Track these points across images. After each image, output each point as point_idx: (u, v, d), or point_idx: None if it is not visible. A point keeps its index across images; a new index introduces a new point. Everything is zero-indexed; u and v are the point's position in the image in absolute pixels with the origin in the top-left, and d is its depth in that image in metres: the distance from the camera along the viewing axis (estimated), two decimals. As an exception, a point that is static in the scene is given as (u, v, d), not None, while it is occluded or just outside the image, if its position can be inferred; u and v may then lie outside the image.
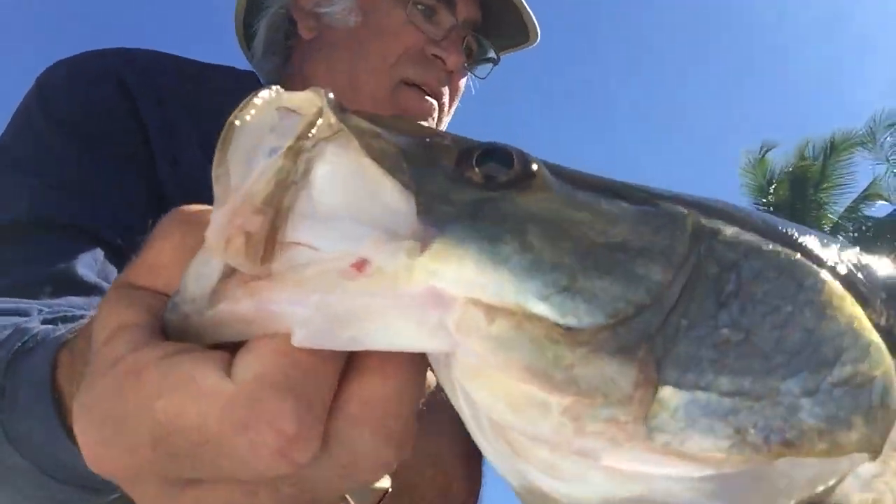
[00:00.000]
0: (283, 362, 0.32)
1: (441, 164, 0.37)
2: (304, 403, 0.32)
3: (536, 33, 1.33)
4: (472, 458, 0.96)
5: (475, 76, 1.37)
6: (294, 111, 0.35)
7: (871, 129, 18.94)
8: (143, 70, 1.11)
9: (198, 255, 0.36)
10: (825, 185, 19.35)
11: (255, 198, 0.34)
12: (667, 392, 0.33)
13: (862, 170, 19.69)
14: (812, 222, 19.44)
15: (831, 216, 19.64)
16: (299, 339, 0.32)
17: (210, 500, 0.35)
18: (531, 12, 1.30)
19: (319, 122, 0.35)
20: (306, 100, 0.35)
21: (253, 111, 0.34)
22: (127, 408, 0.33)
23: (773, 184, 19.77)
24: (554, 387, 0.32)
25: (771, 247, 0.37)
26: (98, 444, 0.34)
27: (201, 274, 0.36)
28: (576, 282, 0.33)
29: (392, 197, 0.35)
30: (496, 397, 0.34)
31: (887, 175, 19.08)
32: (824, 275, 0.37)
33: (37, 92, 1.05)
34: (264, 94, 0.35)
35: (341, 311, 0.33)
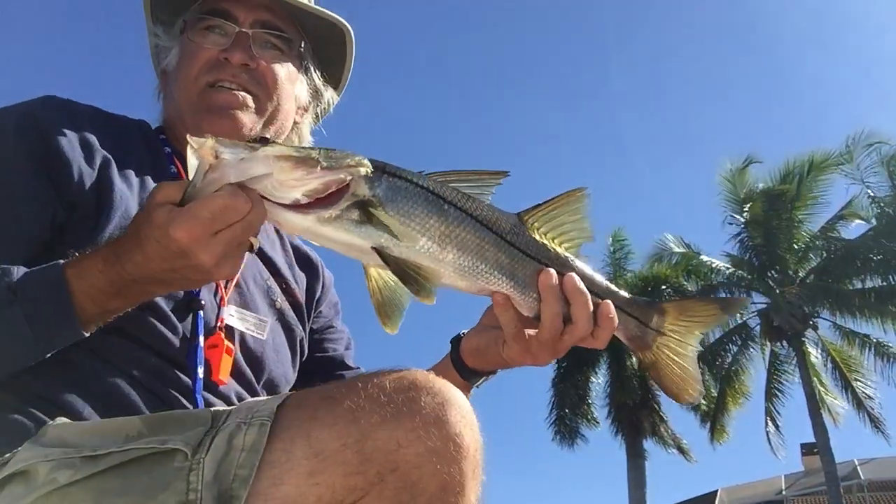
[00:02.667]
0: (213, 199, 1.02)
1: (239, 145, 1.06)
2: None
3: (340, 22, 1.65)
4: (473, 453, 1.00)
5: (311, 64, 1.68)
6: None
7: (849, 149, 19.09)
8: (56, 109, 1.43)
9: (191, 169, 1.04)
10: (800, 204, 19.51)
11: (207, 149, 1.03)
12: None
13: (840, 189, 19.88)
14: (786, 240, 19.58)
15: (805, 234, 19.80)
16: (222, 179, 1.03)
17: (221, 238, 1.04)
18: (311, 4, 1.62)
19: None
20: (202, 141, 1.04)
21: (198, 149, 1.03)
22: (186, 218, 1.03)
23: (749, 201, 19.88)
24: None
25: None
26: (181, 230, 1.01)
27: (196, 177, 1.03)
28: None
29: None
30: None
31: (862, 195, 19.25)
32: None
33: None
34: (195, 141, 1.03)
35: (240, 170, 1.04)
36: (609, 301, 1.24)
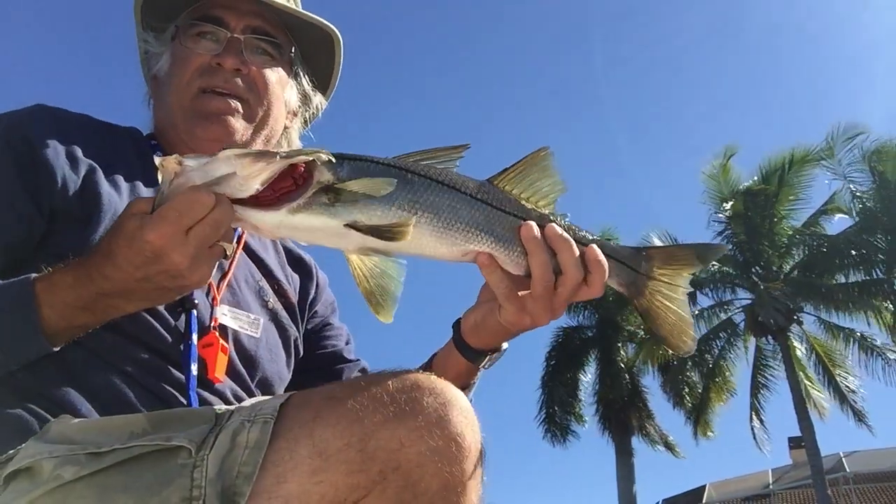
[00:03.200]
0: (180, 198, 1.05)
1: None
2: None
3: (329, 28, 1.67)
4: (474, 454, 1.01)
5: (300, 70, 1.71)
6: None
7: (829, 144, 19.27)
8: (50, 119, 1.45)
9: (161, 181, 1.08)
10: (782, 200, 19.69)
11: (172, 161, 1.07)
12: None
13: (822, 184, 20.08)
14: (768, 236, 19.76)
15: (787, 230, 19.99)
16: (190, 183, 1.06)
17: (192, 236, 1.06)
18: (302, 10, 1.63)
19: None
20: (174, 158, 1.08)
21: (163, 163, 1.07)
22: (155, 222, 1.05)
23: (731, 198, 20.03)
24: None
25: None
26: (152, 233, 1.04)
27: (163, 186, 1.07)
28: None
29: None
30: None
31: (843, 190, 19.45)
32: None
33: None
34: (168, 158, 1.07)
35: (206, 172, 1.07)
36: (594, 247, 1.24)
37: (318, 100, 1.75)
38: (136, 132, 1.62)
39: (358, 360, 1.72)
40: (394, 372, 1.05)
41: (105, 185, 1.37)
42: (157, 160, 1.06)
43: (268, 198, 1.09)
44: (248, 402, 1.14)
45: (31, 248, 1.31)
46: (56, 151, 1.36)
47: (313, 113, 1.76)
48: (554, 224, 1.22)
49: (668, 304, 1.33)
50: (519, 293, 1.24)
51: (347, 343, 1.75)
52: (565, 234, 1.22)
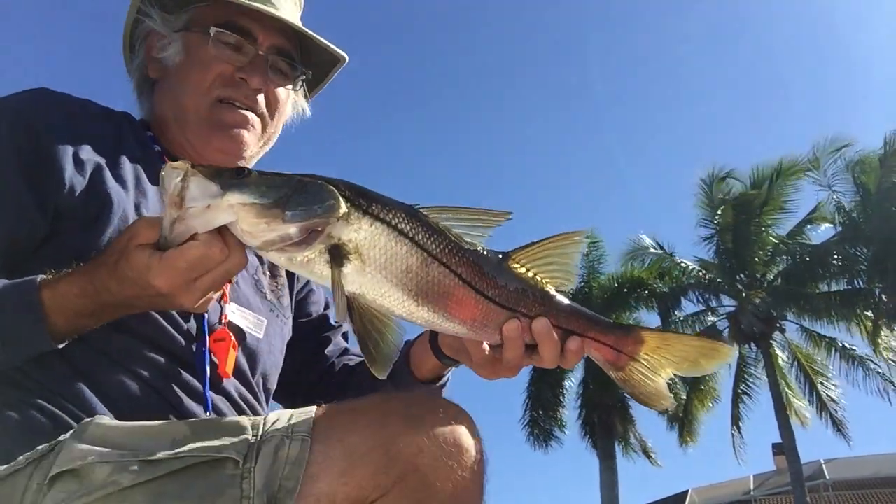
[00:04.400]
0: (190, 250, 1.07)
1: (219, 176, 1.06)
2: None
3: (342, 55, 1.71)
4: (479, 462, 1.13)
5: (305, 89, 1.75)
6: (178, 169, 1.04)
7: (815, 155, 19.49)
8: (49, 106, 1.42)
9: (163, 219, 1.06)
10: (769, 209, 19.87)
11: (172, 197, 1.03)
12: None
13: (807, 195, 20.28)
14: (754, 244, 19.93)
15: (773, 239, 20.17)
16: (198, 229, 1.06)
17: (201, 284, 1.11)
18: (323, 39, 1.66)
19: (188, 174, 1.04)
20: (180, 165, 1.04)
21: (163, 173, 1.04)
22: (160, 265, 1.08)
23: (721, 206, 20.20)
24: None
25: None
26: (160, 279, 1.08)
27: (164, 224, 1.05)
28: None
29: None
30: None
31: (829, 201, 19.66)
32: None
33: None
34: (170, 166, 1.04)
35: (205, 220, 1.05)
36: (576, 338, 1.25)
37: (305, 107, 1.78)
38: (131, 118, 1.60)
39: (340, 325, 1.78)
40: (409, 391, 1.21)
41: (111, 183, 1.35)
42: (163, 173, 1.05)
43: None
44: (276, 413, 1.18)
45: (32, 247, 1.30)
46: (63, 147, 1.33)
47: (296, 114, 1.78)
48: (543, 321, 1.21)
49: (645, 382, 1.29)
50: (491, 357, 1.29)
51: (326, 308, 1.80)
52: (550, 334, 1.21)
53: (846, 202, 19.40)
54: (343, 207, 1.07)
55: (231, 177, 1.05)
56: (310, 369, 1.72)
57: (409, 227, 1.10)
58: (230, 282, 1.18)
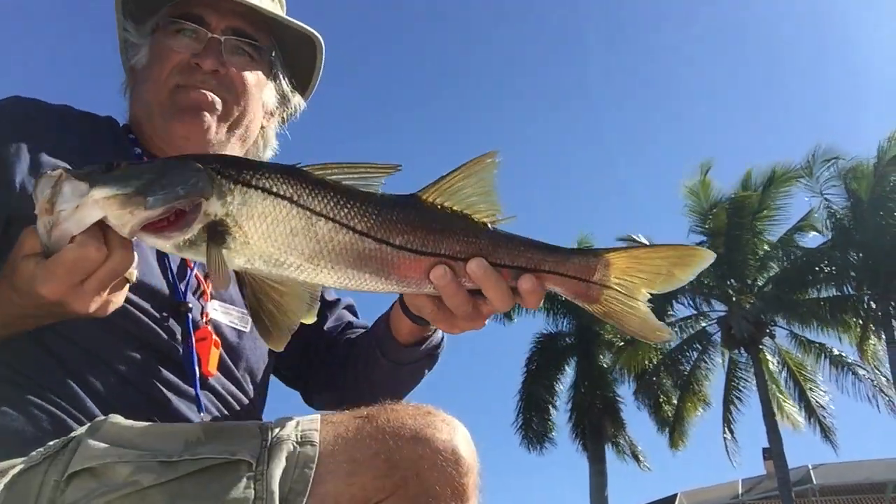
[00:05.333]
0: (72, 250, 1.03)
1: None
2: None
3: (311, 32, 1.66)
4: (474, 470, 1.18)
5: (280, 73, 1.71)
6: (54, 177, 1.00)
7: (809, 163, 19.64)
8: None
9: (38, 226, 1.02)
10: (762, 215, 20.01)
11: (43, 204, 1.00)
12: None
13: (800, 201, 20.43)
14: (746, 250, 20.05)
15: (764, 244, 20.30)
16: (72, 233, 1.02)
17: (89, 287, 1.06)
18: (283, 15, 1.63)
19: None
20: (55, 173, 1.01)
21: (42, 180, 1.01)
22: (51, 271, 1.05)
23: (714, 208, 20.32)
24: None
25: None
26: (45, 287, 1.05)
27: (40, 231, 1.02)
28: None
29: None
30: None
31: (821, 208, 19.81)
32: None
33: None
34: (44, 175, 1.02)
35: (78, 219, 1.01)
36: (528, 276, 1.13)
37: (296, 100, 1.75)
38: (114, 122, 1.62)
39: (339, 298, 1.77)
40: (410, 403, 1.24)
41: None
42: (35, 181, 1.03)
43: (154, 227, 1.02)
44: (283, 418, 1.20)
45: None
46: (18, 156, 1.35)
47: (291, 112, 1.77)
48: (478, 261, 1.12)
49: (627, 311, 1.18)
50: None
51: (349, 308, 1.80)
52: (489, 272, 1.13)
53: (838, 209, 19.56)
54: (209, 181, 1.03)
55: (99, 172, 1.02)
56: (312, 349, 1.70)
57: (286, 189, 1.04)
58: (128, 280, 1.12)
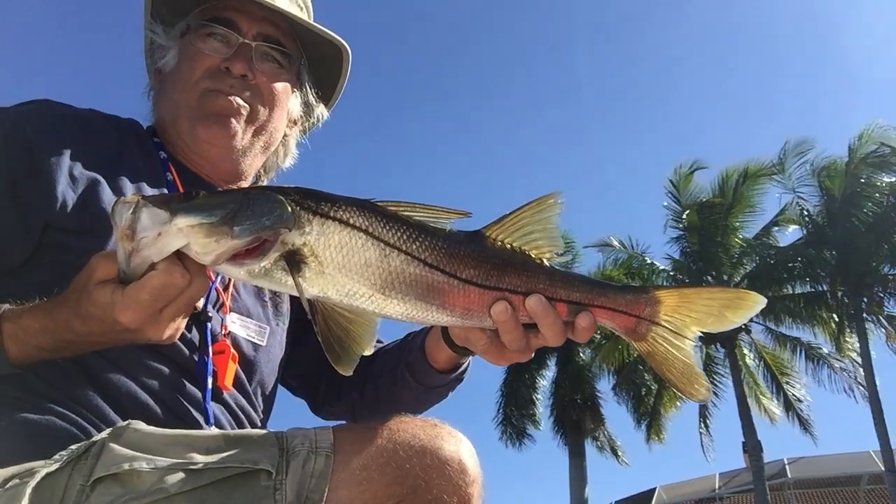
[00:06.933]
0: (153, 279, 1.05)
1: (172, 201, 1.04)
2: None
3: (339, 41, 1.68)
4: (478, 481, 1.21)
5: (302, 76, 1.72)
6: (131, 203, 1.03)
7: (781, 158, 19.81)
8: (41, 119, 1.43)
9: (118, 252, 1.04)
10: (735, 212, 20.20)
11: (123, 231, 1.02)
12: None
13: (774, 198, 20.63)
14: (721, 246, 20.25)
15: (739, 241, 20.51)
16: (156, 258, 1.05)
17: (167, 314, 1.09)
18: (315, 24, 1.65)
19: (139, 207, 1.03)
20: (131, 198, 1.03)
21: (112, 209, 1.03)
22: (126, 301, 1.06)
23: (687, 209, 20.50)
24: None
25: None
26: (126, 315, 1.06)
27: (119, 258, 1.04)
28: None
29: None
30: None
31: (794, 204, 20.01)
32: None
33: None
34: (119, 201, 1.03)
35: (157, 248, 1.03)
36: (587, 313, 1.17)
37: (319, 110, 1.77)
38: (138, 126, 1.62)
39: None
40: (417, 417, 1.27)
41: (107, 195, 1.35)
42: (112, 209, 1.04)
43: (234, 255, 1.05)
44: (299, 429, 1.22)
45: (14, 260, 1.32)
46: (57, 161, 1.34)
47: (313, 122, 1.78)
48: (537, 298, 1.15)
49: (673, 351, 1.20)
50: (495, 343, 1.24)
51: None
52: (547, 309, 1.16)
53: (811, 206, 19.79)
54: (290, 213, 1.06)
55: (179, 201, 1.04)
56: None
57: (361, 221, 1.08)
58: (196, 308, 1.17)
